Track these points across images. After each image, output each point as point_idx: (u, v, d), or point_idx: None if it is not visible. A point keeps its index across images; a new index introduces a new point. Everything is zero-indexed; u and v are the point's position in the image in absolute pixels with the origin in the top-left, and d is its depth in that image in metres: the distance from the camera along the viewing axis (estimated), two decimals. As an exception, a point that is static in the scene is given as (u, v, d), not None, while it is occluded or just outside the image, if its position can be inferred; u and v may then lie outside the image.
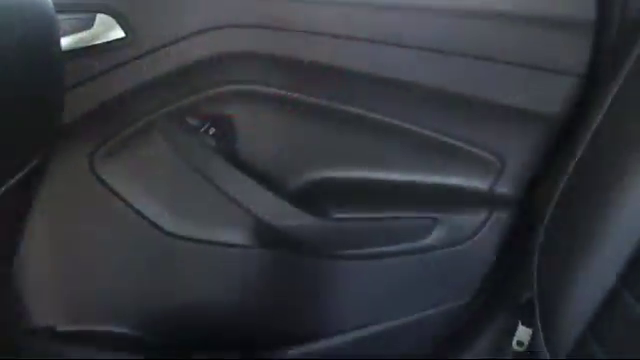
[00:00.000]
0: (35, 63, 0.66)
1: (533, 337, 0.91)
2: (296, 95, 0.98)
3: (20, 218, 0.81)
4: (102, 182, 0.98)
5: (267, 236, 1.02)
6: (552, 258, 0.86)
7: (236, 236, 1.03)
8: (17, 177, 0.68)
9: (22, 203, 0.78)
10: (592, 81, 0.91)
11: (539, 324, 0.88)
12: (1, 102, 0.60)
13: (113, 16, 0.88)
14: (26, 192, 0.77)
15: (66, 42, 0.86)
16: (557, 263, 0.86)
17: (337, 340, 1.06)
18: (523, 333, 0.99)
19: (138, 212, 1.00)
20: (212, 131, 0.99)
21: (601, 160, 0.83)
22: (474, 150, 1.00)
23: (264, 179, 1.00)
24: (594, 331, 0.80)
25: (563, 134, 0.95)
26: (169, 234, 1.02)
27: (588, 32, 0.90)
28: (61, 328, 1.04)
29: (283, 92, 0.98)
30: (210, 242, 1.03)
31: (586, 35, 0.90)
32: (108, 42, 0.89)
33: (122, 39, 0.89)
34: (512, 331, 1.02)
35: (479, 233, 1.02)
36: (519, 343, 0.99)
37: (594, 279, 0.80)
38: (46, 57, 0.68)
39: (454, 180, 1.01)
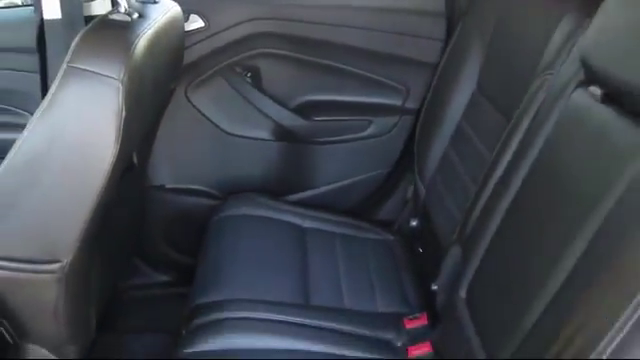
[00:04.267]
0: (180, 41, 1.49)
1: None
2: (296, 54, 1.81)
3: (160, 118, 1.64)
4: (190, 102, 1.81)
5: (279, 132, 1.85)
6: (423, 130, 1.69)
7: (262, 133, 1.86)
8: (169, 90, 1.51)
9: (163, 108, 1.61)
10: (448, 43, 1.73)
11: (416, 171, 1.70)
12: (171, 59, 1.42)
13: (199, 15, 1.71)
14: (166, 103, 1.60)
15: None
16: (425, 133, 1.68)
17: (315, 191, 1.89)
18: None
19: (209, 119, 1.84)
20: (249, 74, 1.82)
21: (445, 79, 1.64)
22: (391, 83, 1.82)
23: (278, 100, 1.83)
24: (441, 176, 1.61)
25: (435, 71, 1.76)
26: (227, 133, 1.85)
27: (442, 16, 1.72)
28: (168, 185, 1.88)
29: (289, 53, 1.81)
30: (248, 137, 1.86)
31: (441, 17, 1.72)
32: (196, 28, 1.72)
33: (203, 27, 1.72)
34: (412, 183, 1.84)
35: (394, 129, 1.85)
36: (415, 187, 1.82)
37: (437, 143, 1.61)
38: (182, 38, 1.50)
39: (380, 100, 1.84)
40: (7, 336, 1.15)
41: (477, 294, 1.13)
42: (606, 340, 0.72)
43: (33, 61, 1.73)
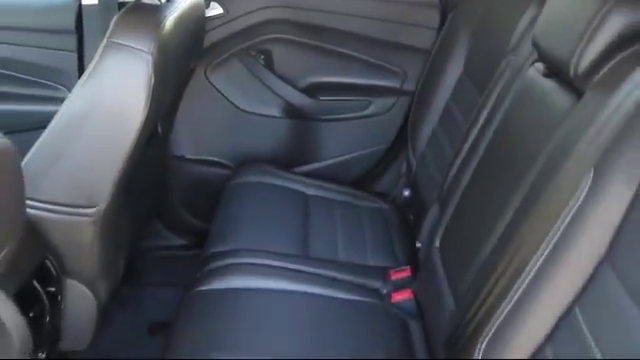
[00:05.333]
0: (200, 24, 1.69)
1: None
2: (305, 40, 2.01)
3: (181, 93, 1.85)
4: (209, 82, 2.02)
5: (288, 110, 2.05)
6: (416, 110, 1.88)
7: (273, 111, 2.06)
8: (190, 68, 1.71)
9: (185, 84, 1.82)
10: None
11: (410, 146, 1.89)
12: (192, 40, 1.63)
13: (218, 2, 1.91)
14: (187, 79, 1.81)
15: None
16: (418, 113, 1.87)
17: (320, 164, 2.09)
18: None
19: (226, 97, 2.04)
20: (262, 57, 2.02)
21: (436, 64, 1.83)
22: (390, 66, 2.02)
23: (288, 81, 2.03)
24: (430, 150, 1.79)
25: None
26: (241, 110, 2.06)
27: (436, 7, 1.91)
28: (188, 156, 2.09)
29: (298, 39, 2.01)
30: (260, 114, 2.07)
31: (435, 8, 1.91)
32: (216, 15, 1.92)
33: (222, 13, 1.93)
34: (407, 157, 2.03)
35: (392, 109, 2.04)
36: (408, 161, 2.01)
37: (428, 122, 1.80)
38: (202, 22, 1.70)
39: (380, 82, 2.03)
40: (52, 269, 1.36)
41: (447, 241, 1.32)
42: (534, 260, 0.92)
43: (71, 41, 1.95)
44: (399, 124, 2.05)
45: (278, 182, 1.90)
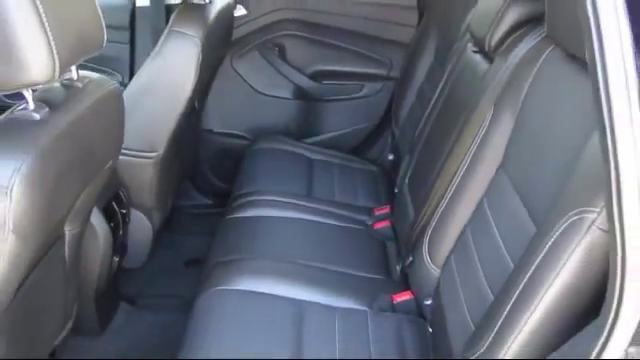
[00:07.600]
0: (230, 21, 2.18)
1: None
2: (311, 36, 2.51)
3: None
4: (234, 69, 2.51)
5: (297, 93, 2.54)
6: (399, 91, 2.36)
7: (285, 93, 2.56)
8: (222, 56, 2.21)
9: (217, 69, 2.31)
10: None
11: (393, 120, 2.38)
12: (225, 32, 2.12)
13: (242, 5, 2.41)
14: (219, 64, 2.30)
15: (226, 15, 2.39)
16: (400, 94, 2.35)
17: (323, 136, 2.58)
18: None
19: (247, 82, 2.54)
20: (277, 49, 2.52)
21: (413, 54, 2.31)
22: (379, 57, 2.51)
23: (298, 68, 2.52)
24: (408, 121, 2.28)
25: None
26: (259, 92, 2.55)
27: (414, 8, 2.40)
28: (215, 130, 2.58)
29: (306, 34, 2.51)
30: (275, 96, 2.56)
31: (414, 9, 2.40)
32: (241, 15, 2.42)
33: (245, 14, 2.43)
34: (392, 130, 2.51)
35: (380, 92, 2.53)
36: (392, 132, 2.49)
37: (407, 100, 2.29)
38: (232, 19, 2.20)
39: (371, 70, 2.52)
40: (123, 197, 1.85)
41: (413, 177, 1.81)
42: (457, 172, 1.40)
43: (124, 35, 2.45)
44: (386, 104, 2.53)
45: (288, 149, 2.38)
